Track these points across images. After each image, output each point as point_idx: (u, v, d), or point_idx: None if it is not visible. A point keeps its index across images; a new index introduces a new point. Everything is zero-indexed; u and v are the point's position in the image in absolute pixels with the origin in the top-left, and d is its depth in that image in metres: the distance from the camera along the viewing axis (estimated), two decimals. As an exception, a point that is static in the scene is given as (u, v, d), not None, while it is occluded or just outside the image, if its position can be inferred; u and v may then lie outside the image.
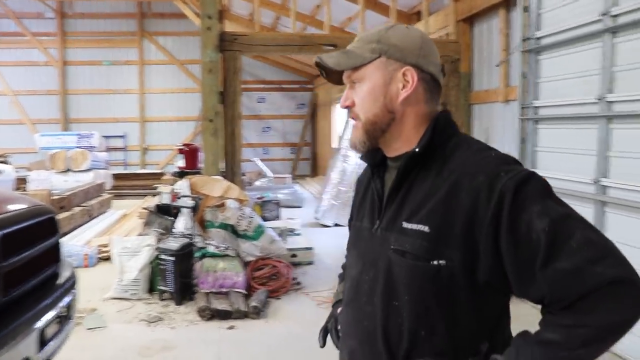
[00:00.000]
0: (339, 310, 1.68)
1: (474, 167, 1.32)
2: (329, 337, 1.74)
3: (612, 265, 1.18)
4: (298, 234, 8.11)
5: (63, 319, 2.87)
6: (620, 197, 4.17)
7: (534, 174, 1.30)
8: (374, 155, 1.51)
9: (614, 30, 4.19)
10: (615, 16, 4.18)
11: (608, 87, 4.25)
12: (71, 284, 3.05)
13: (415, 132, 1.43)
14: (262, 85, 17.88)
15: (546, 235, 1.20)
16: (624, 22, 4.09)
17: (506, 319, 1.43)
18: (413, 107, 1.43)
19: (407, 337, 1.37)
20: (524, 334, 1.28)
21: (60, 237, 3.14)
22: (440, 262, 1.31)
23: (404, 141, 1.44)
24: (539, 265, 1.21)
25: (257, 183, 13.68)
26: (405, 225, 1.36)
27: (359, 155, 1.54)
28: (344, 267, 1.80)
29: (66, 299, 2.92)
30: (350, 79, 1.44)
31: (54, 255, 3.04)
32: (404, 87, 1.40)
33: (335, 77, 1.50)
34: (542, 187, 1.28)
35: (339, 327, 1.64)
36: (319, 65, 1.47)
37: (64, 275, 3.05)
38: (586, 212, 4.51)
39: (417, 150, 1.38)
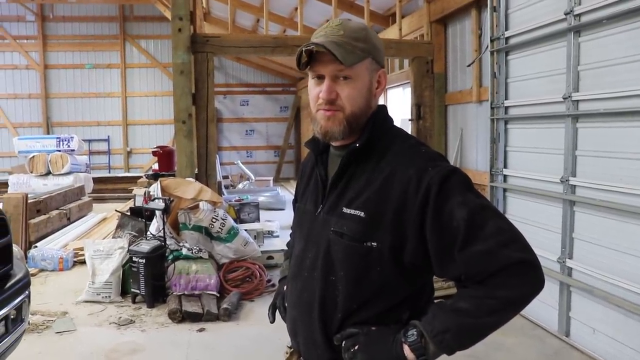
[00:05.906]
0: (285, 286, 1.82)
1: (405, 162, 1.48)
2: (277, 314, 1.91)
3: (518, 250, 1.38)
4: (276, 236, 8.11)
5: (12, 321, 2.82)
6: (588, 195, 4.17)
7: (456, 169, 1.48)
8: (318, 143, 1.64)
9: (577, 29, 4.20)
10: (578, 15, 4.19)
11: (574, 86, 4.26)
12: (22, 285, 3.00)
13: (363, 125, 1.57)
14: (245, 89, 17.88)
15: (465, 222, 1.37)
16: (586, 20, 4.10)
17: (428, 292, 1.62)
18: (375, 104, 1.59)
19: (341, 308, 1.53)
20: (440, 303, 1.45)
21: (11, 239, 3.08)
22: (372, 243, 1.48)
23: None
24: (458, 247, 1.38)
25: (240, 186, 13.67)
26: (345, 210, 1.52)
27: (307, 142, 1.67)
28: (289, 245, 1.95)
29: (16, 301, 2.87)
30: (342, 72, 1.49)
31: (4, 256, 2.99)
32: (377, 87, 1.56)
33: (307, 64, 1.52)
34: (463, 181, 1.45)
35: (285, 304, 1.79)
36: (310, 51, 1.48)
37: (16, 276, 3.00)
38: (555, 211, 4.52)
39: (357, 145, 1.53)
